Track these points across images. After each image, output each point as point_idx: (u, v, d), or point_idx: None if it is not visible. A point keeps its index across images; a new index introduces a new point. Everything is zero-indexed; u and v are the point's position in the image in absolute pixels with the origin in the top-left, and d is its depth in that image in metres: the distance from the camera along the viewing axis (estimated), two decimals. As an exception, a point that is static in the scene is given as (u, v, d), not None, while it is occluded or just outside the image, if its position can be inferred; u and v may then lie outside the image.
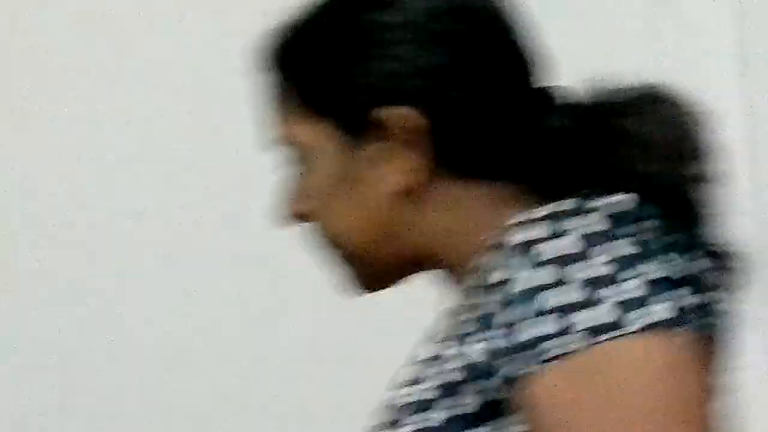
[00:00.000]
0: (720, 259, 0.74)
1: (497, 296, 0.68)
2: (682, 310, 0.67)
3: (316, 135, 0.77)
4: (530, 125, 0.76)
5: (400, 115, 0.74)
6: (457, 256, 0.77)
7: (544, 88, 0.78)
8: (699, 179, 0.74)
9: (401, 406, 0.76)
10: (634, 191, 0.70)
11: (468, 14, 0.77)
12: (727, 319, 0.74)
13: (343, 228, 0.78)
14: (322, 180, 0.78)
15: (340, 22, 0.78)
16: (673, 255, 0.69)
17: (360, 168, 0.76)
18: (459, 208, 0.76)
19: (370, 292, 0.83)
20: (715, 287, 0.72)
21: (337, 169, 0.77)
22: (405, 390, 0.77)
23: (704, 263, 0.72)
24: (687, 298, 0.68)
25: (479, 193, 0.76)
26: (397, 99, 0.74)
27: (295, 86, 0.79)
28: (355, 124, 0.76)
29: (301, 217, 0.81)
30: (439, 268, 0.80)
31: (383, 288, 0.82)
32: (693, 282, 0.70)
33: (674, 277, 0.68)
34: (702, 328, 0.69)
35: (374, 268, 0.79)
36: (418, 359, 0.78)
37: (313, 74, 0.78)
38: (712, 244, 0.74)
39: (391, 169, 0.75)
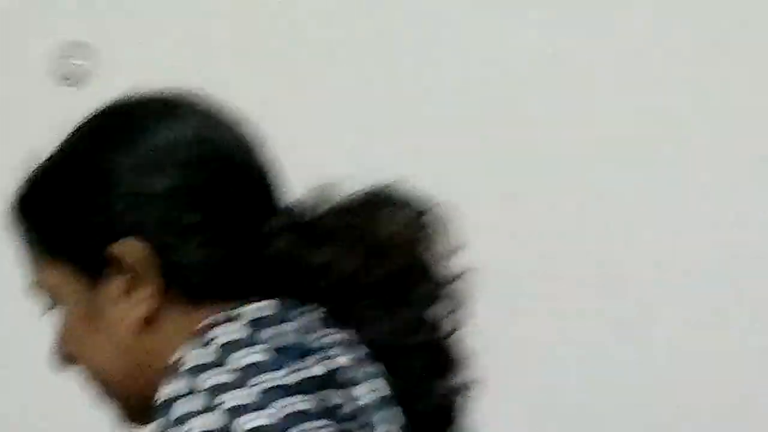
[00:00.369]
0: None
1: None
2: (289, 416, 0.68)
3: (61, 279, 0.78)
4: (255, 247, 0.76)
5: (126, 247, 0.74)
6: None
7: (275, 208, 0.79)
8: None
9: None
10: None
11: (197, 144, 0.79)
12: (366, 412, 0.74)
13: (98, 366, 0.78)
14: (74, 321, 0.79)
15: (72, 167, 0.79)
16: (305, 360, 0.72)
17: (103, 305, 0.76)
18: (190, 331, 0.76)
19: (140, 425, 0.81)
20: (351, 383, 0.73)
21: (84, 310, 0.77)
22: None
23: (338, 362, 0.73)
24: (298, 404, 0.69)
25: (207, 314, 0.76)
26: (125, 233, 0.75)
27: (36, 234, 0.80)
28: (91, 264, 0.77)
29: (69, 358, 0.81)
30: None
31: (152, 420, 0.76)
32: (314, 387, 0.71)
33: (290, 384, 0.70)
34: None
35: (137, 401, 0.78)
36: None
37: (50, 220, 0.79)
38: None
39: (129, 302, 0.75)
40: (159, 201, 0.76)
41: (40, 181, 0.81)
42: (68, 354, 0.80)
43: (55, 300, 0.80)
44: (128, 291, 0.75)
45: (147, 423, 0.78)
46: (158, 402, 0.70)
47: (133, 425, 0.82)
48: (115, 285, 0.75)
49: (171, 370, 0.72)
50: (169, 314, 0.76)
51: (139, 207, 0.76)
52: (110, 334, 0.77)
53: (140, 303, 0.75)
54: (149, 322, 0.75)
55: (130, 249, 0.74)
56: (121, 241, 0.75)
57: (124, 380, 0.79)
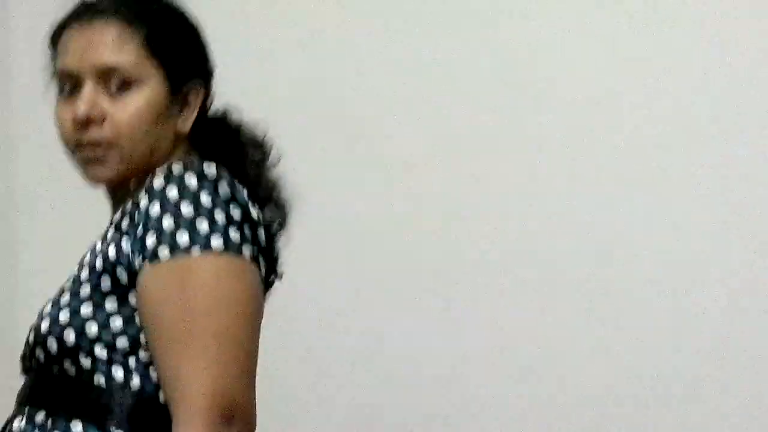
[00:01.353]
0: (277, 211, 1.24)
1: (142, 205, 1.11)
2: (242, 240, 1.10)
3: (149, 73, 1.19)
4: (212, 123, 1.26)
5: (199, 87, 1.24)
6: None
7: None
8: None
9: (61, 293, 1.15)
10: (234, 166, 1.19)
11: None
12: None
13: (138, 131, 1.18)
14: (139, 102, 1.19)
15: (186, 16, 1.27)
16: (244, 205, 1.13)
17: (167, 106, 1.20)
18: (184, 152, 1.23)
19: (109, 182, 1.22)
20: (274, 231, 1.22)
21: (153, 98, 1.19)
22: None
23: (267, 213, 1.20)
24: (246, 233, 1.11)
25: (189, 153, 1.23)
26: (203, 76, 1.26)
27: (153, 34, 1.21)
28: (177, 81, 1.21)
29: (99, 119, 1.19)
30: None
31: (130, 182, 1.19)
32: (255, 223, 1.13)
33: (238, 218, 1.10)
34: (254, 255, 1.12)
35: (131, 164, 1.18)
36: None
37: (169, 32, 1.23)
38: (272, 200, 1.23)
39: (183, 118, 1.23)
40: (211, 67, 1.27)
41: (165, 6, 1.24)
42: (101, 115, 1.15)
43: (129, 83, 1.16)
44: (185, 111, 1.21)
45: (117, 181, 1.19)
46: (171, 172, 1.11)
47: (105, 180, 1.21)
48: (181, 103, 1.21)
49: (165, 162, 1.15)
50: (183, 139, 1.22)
51: (210, 68, 1.26)
52: (159, 123, 1.18)
53: (186, 122, 1.21)
54: (177, 135, 1.20)
55: (198, 89, 1.22)
56: (198, 80, 1.22)
57: (141, 147, 1.17)
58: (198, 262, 1.06)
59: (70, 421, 1.09)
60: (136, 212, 1.10)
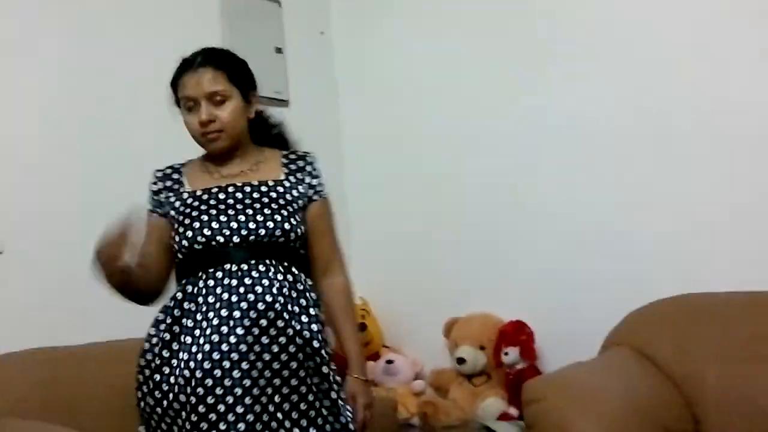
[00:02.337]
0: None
1: (307, 162, 2.40)
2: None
3: (233, 93, 2.31)
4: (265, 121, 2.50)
5: (255, 92, 2.39)
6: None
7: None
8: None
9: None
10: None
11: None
12: None
13: (238, 127, 2.32)
14: (234, 110, 2.31)
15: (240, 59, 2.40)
16: None
17: (244, 109, 2.35)
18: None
19: (226, 150, 2.34)
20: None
21: (239, 107, 2.32)
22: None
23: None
24: None
25: None
26: (254, 87, 2.39)
27: (233, 76, 2.32)
28: (246, 94, 2.35)
29: (219, 126, 2.31)
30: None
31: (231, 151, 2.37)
32: None
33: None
34: None
35: (234, 144, 2.34)
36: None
37: (239, 73, 2.34)
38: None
39: (250, 113, 2.39)
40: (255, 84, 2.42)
41: (232, 56, 2.36)
42: (212, 117, 2.25)
43: (224, 99, 2.26)
44: (250, 108, 2.37)
45: (226, 149, 2.33)
46: (309, 153, 2.45)
47: (220, 149, 2.32)
48: (248, 104, 2.35)
49: (243, 136, 2.37)
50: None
51: (255, 84, 2.39)
52: (241, 117, 2.32)
53: (252, 113, 2.37)
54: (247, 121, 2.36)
55: (255, 95, 2.38)
56: (255, 91, 2.38)
57: (235, 130, 2.30)
58: (330, 199, 2.40)
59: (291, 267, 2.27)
60: (306, 173, 2.37)
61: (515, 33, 3.70)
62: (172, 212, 2.30)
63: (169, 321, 2.21)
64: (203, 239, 2.22)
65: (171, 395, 2.12)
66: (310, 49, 4.12)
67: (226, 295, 2.15)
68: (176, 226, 2.27)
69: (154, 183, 2.37)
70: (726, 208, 3.28)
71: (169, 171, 2.38)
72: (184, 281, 2.25)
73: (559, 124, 3.60)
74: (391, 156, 4.03)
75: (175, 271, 2.32)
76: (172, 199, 2.33)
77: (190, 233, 2.23)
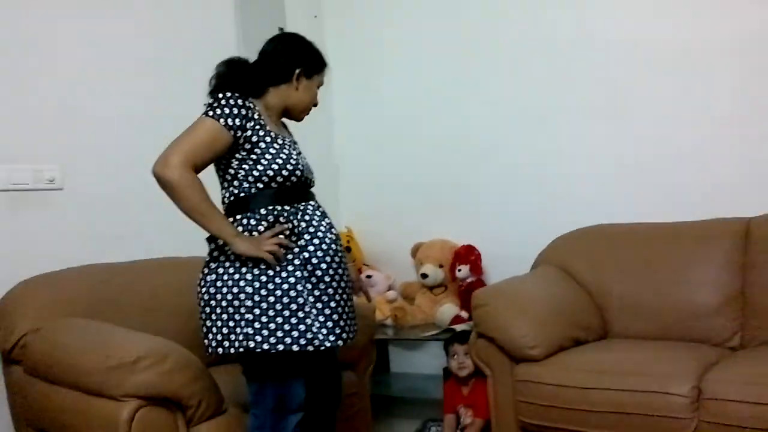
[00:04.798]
0: None
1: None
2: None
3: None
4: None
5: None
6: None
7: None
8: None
9: None
10: None
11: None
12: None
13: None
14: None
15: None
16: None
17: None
18: None
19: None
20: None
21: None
22: None
23: None
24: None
25: None
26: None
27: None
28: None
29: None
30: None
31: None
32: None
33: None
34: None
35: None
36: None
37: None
38: None
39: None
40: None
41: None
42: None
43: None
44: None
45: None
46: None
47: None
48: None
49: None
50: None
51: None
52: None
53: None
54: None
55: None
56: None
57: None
58: None
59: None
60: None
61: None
62: (261, 138, 2.08)
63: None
64: (299, 173, 2.12)
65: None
66: (306, 30, 4.07)
67: (321, 223, 2.12)
68: (264, 152, 2.07)
69: (239, 103, 2.06)
70: (630, 156, 3.34)
71: (246, 102, 2.09)
72: (277, 207, 2.08)
73: (506, 88, 3.63)
74: (373, 118, 4.04)
75: (250, 194, 2.09)
76: (257, 127, 2.08)
77: (291, 165, 2.09)
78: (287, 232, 2.07)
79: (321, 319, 2.05)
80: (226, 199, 2.13)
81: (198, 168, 2.02)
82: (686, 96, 3.23)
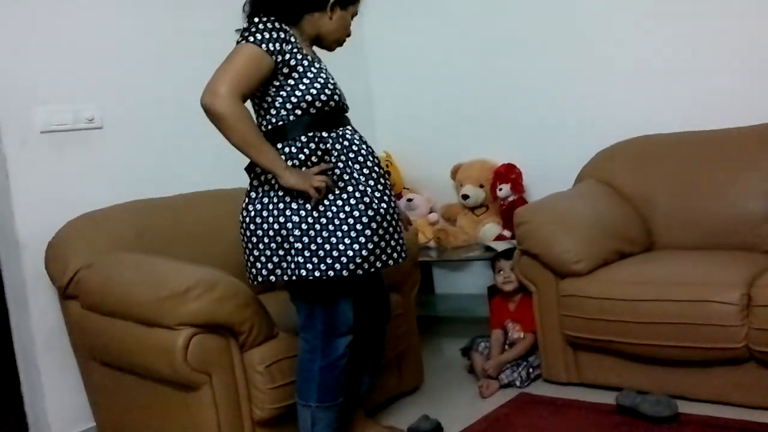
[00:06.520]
0: None
1: None
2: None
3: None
4: None
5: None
6: None
7: None
8: None
9: None
10: None
11: None
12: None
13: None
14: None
15: None
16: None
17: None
18: None
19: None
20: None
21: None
22: None
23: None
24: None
25: None
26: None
27: None
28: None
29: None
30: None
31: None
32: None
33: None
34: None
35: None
36: None
37: None
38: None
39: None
40: None
41: None
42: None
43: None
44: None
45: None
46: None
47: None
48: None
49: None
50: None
51: None
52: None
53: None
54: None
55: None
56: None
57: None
58: None
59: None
60: None
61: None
62: (299, 62, 2.05)
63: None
64: (337, 98, 2.10)
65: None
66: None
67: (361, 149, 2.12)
68: (303, 77, 2.05)
69: (276, 26, 2.03)
70: (672, 62, 3.24)
71: (282, 25, 2.06)
72: (317, 133, 2.07)
73: (540, 13, 3.52)
74: (406, 41, 3.96)
75: (288, 122, 2.06)
76: (294, 50, 2.05)
77: (329, 90, 2.08)
78: (330, 172, 2.05)
79: (370, 242, 2.05)
80: (263, 128, 2.10)
81: (246, 96, 2.00)
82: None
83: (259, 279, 2.11)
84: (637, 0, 3.28)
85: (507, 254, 3.11)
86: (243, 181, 2.19)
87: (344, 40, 2.21)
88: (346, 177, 2.07)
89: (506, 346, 3.07)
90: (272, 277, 2.09)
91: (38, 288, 2.63)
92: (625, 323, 2.56)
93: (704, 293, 2.42)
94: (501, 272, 3.10)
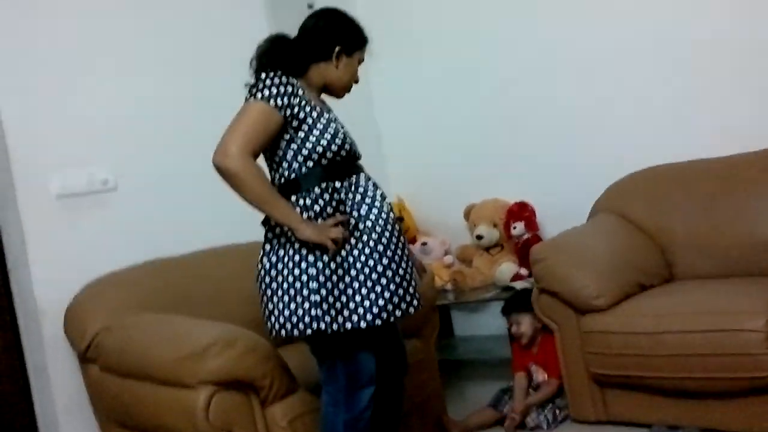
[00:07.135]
0: None
1: None
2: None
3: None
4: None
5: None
6: None
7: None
8: None
9: None
10: None
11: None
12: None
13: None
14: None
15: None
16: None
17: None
18: None
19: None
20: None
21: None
22: None
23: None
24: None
25: None
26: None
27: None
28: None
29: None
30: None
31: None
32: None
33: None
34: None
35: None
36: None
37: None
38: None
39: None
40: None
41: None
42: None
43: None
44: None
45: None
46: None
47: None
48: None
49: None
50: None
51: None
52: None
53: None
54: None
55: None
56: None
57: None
58: None
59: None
60: None
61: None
62: (308, 114, 2.05)
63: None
64: (348, 146, 2.10)
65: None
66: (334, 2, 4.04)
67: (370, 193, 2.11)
68: (312, 128, 2.05)
69: (283, 80, 2.04)
70: (679, 94, 3.24)
71: (290, 79, 2.06)
72: (330, 183, 2.06)
73: (549, 41, 3.56)
74: (412, 81, 4.00)
75: (300, 175, 2.06)
76: (303, 103, 2.05)
77: (339, 140, 2.07)
78: (346, 222, 2.04)
79: (386, 291, 2.03)
80: (276, 181, 2.11)
81: (256, 153, 2.01)
82: (735, 27, 3.11)
83: (273, 332, 2.09)
84: (640, 33, 3.31)
85: (515, 305, 3.09)
86: (259, 234, 2.19)
87: (351, 87, 2.21)
88: (361, 226, 2.06)
89: (530, 390, 3.03)
90: (283, 331, 2.05)
91: (57, 353, 2.62)
92: (650, 357, 2.52)
93: (729, 322, 2.38)
94: (513, 326, 3.09)
